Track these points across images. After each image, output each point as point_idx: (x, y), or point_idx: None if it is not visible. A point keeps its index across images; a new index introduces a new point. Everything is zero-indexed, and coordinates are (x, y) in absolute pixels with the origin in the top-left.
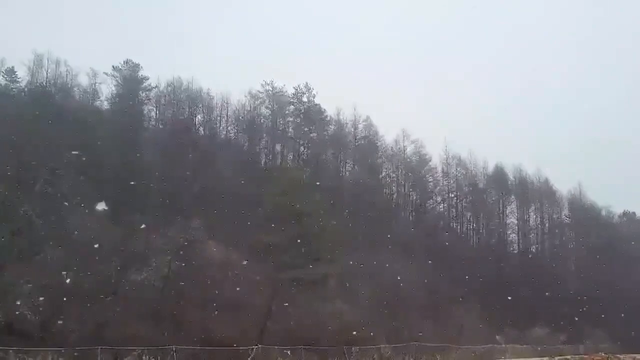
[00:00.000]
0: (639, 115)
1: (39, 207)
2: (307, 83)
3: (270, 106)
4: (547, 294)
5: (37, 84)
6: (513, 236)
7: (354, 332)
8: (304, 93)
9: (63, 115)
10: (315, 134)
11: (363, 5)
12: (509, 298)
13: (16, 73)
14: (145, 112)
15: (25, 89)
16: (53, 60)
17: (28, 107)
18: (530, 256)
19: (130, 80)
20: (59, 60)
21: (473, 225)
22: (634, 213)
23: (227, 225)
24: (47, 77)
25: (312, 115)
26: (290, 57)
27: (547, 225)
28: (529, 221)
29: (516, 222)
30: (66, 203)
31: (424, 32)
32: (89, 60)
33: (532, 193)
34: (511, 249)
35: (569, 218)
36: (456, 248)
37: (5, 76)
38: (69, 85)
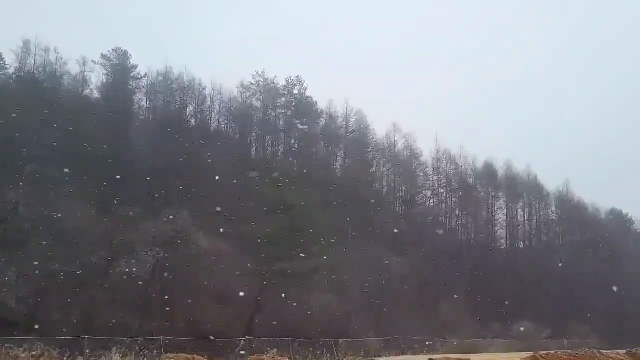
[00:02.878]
0: (628, 113)
1: (26, 196)
2: (298, 75)
3: (261, 98)
4: (533, 289)
5: (26, 71)
6: (501, 232)
7: (342, 325)
8: (295, 85)
9: (52, 103)
10: (306, 127)
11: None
12: (495, 293)
13: (4, 59)
14: (135, 101)
15: (13, 76)
16: (42, 48)
17: (16, 95)
18: (517, 252)
19: (119, 69)
20: (48, 47)
21: (462, 221)
22: (621, 211)
23: (216, 217)
24: (35, 64)
25: (303, 107)
26: (283, 49)
27: (534, 221)
28: (517, 217)
29: (504, 218)
30: (54, 192)
31: (415, 27)
32: (80, 48)
33: (521, 189)
34: (499, 244)
35: (557, 215)
36: (445, 243)
37: None
38: (58, 73)
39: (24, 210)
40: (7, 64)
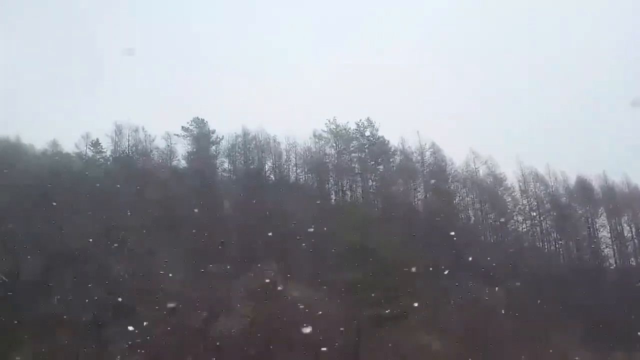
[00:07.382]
0: None
1: (129, 266)
2: (368, 117)
3: (335, 145)
4: None
5: (120, 151)
6: (607, 250)
7: None
8: (366, 127)
9: (145, 177)
10: (382, 167)
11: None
12: (611, 317)
13: (101, 144)
14: (218, 164)
15: (110, 158)
16: (132, 129)
17: (114, 174)
18: (630, 270)
19: (200, 137)
20: (137, 127)
21: (561, 243)
22: None
23: (304, 266)
24: (128, 144)
25: (376, 148)
26: (350, 94)
27: None
28: (622, 232)
29: (609, 235)
30: (153, 260)
31: (478, 48)
32: (163, 125)
33: (622, 202)
34: (607, 264)
35: None
36: (545, 269)
37: (92, 148)
38: (148, 150)
39: (129, 280)
40: (103, 147)
